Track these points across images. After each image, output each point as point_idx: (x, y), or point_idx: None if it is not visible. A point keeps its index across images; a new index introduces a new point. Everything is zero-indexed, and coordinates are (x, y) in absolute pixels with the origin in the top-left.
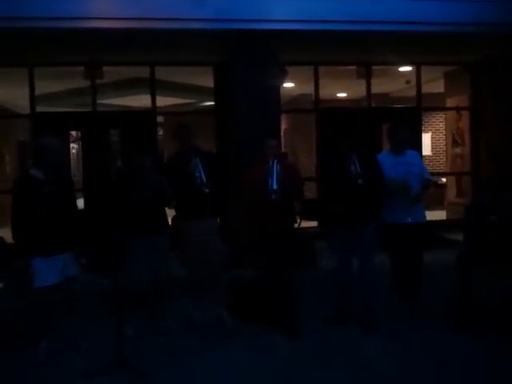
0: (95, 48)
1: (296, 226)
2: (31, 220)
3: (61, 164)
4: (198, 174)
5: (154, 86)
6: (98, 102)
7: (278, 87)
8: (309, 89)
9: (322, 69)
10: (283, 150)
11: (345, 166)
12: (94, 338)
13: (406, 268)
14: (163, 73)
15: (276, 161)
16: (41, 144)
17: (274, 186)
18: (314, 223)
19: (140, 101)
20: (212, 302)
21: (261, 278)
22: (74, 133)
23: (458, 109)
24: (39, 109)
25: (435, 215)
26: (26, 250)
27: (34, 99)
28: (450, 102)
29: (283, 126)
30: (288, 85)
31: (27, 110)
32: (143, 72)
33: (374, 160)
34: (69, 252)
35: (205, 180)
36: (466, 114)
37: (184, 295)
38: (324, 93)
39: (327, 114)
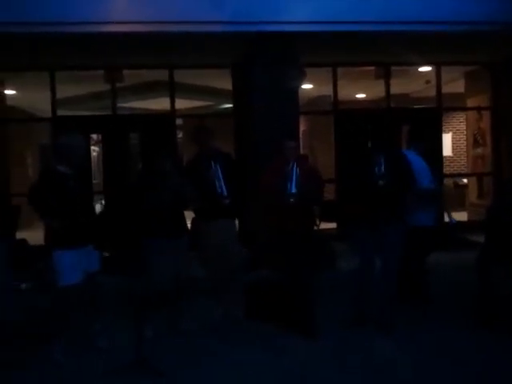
0: (115, 52)
1: (315, 227)
2: (58, 212)
3: (83, 161)
4: (218, 184)
5: (173, 89)
6: (118, 105)
7: (296, 89)
8: (327, 90)
9: (340, 70)
10: (302, 151)
11: (368, 167)
12: (114, 338)
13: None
14: (182, 76)
15: (296, 163)
16: (65, 141)
17: (293, 190)
18: (333, 225)
19: (159, 104)
20: (230, 303)
21: (279, 280)
22: (94, 136)
23: (478, 109)
24: (60, 112)
25: (456, 216)
26: (51, 242)
27: (54, 103)
28: (470, 102)
29: (302, 128)
30: (306, 86)
31: (48, 114)
32: (162, 75)
33: (403, 161)
34: (91, 245)
35: (225, 192)
36: (486, 114)
37: (203, 296)
38: (343, 94)
39: (346, 115)
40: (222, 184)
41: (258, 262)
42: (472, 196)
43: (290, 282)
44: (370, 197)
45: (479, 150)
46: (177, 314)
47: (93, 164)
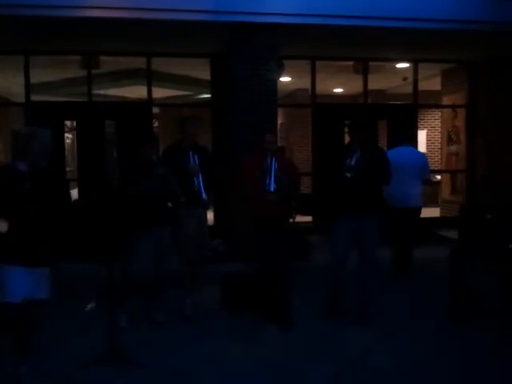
0: (92, 37)
1: (291, 220)
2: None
3: (47, 156)
4: (196, 180)
5: (150, 77)
6: (94, 92)
7: (275, 81)
8: (306, 83)
9: (319, 63)
10: (279, 144)
11: (341, 160)
12: (88, 328)
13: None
14: (160, 64)
15: (274, 158)
16: (26, 133)
17: (272, 187)
18: (308, 218)
19: (136, 92)
20: (206, 293)
21: (254, 271)
22: (68, 123)
23: (454, 106)
24: (34, 97)
25: (429, 212)
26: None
27: (29, 88)
28: (446, 100)
29: (280, 120)
30: (285, 79)
31: (22, 99)
32: (140, 63)
33: (379, 154)
34: (42, 268)
35: (202, 188)
36: (462, 112)
37: (178, 286)
38: (321, 88)
39: (324, 108)
40: (200, 180)
41: (233, 253)
42: (445, 192)
43: (266, 273)
44: (342, 190)
45: (453, 148)
46: (152, 304)
47: (66, 151)
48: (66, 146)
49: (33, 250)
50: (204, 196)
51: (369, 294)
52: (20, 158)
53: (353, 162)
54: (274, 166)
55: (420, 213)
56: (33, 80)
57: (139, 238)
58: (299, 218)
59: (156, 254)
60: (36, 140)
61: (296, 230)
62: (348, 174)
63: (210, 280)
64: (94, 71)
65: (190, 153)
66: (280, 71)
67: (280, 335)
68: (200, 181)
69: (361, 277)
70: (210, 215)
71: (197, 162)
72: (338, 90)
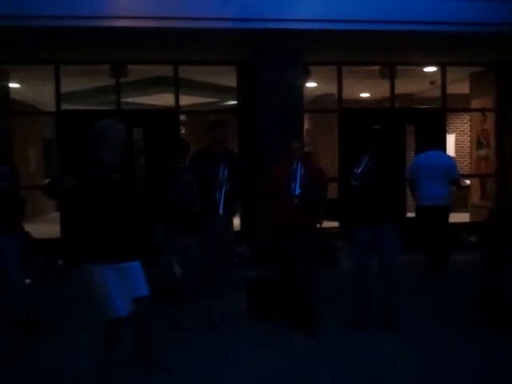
0: (120, 46)
1: (318, 226)
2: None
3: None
4: (218, 194)
5: (177, 85)
6: (122, 100)
7: (301, 87)
8: (332, 89)
9: (345, 69)
10: (306, 149)
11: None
12: None
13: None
14: (187, 72)
15: (300, 163)
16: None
17: (297, 191)
18: (335, 223)
19: (163, 99)
20: (232, 300)
21: (281, 278)
22: None
23: (483, 110)
24: (64, 106)
25: (459, 217)
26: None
27: (59, 97)
28: (475, 104)
29: (306, 126)
30: (311, 84)
31: (52, 108)
32: (167, 71)
33: (391, 160)
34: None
35: (221, 208)
36: (491, 116)
37: (205, 294)
38: (347, 93)
39: (350, 114)
40: (222, 193)
41: (258, 259)
42: (475, 197)
43: (290, 280)
44: (353, 198)
45: (483, 152)
46: (178, 311)
47: None
48: None
49: (126, 242)
50: (221, 210)
51: (391, 302)
52: (104, 150)
53: (359, 170)
54: (300, 171)
55: (448, 212)
56: (63, 89)
57: (166, 244)
58: (326, 224)
59: (183, 261)
60: (114, 131)
61: (323, 236)
62: (354, 182)
63: (235, 286)
64: (122, 80)
65: (221, 162)
66: (306, 77)
67: (305, 343)
68: (222, 194)
69: (382, 285)
70: (237, 221)
71: (226, 170)
72: (365, 95)
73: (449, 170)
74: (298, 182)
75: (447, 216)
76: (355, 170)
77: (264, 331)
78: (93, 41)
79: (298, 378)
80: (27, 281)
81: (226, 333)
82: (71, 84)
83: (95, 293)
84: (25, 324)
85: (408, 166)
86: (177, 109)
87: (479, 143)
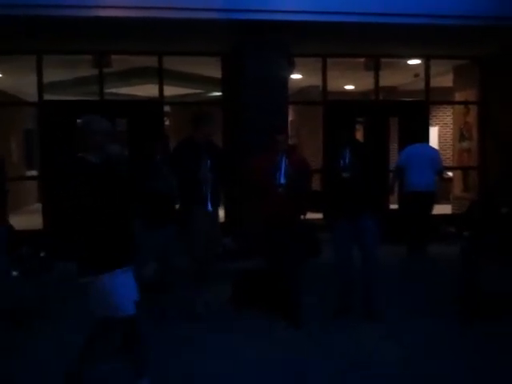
0: (103, 37)
1: (301, 217)
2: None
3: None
4: (204, 190)
5: (161, 76)
6: (106, 90)
7: (285, 78)
8: (317, 81)
9: (330, 61)
10: (290, 141)
11: (339, 160)
12: None
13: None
14: (171, 62)
15: (285, 155)
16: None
17: (282, 181)
18: (319, 215)
19: (147, 90)
20: (216, 291)
21: (264, 269)
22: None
23: (466, 103)
24: (47, 97)
25: (441, 209)
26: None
27: (41, 87)
28: (458, 96)
29: (290, 118)
30: (296, 76)
31: (35, 98)
32: (151, 61)
33: (368, 153)
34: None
35: (209, 205)
36: (474, 109)
37: (187, 285)
38: (332, 85)
39: (335, 106)
40: (208, 189)
41: (243, 251)
42: (457, 189)
43: (276, 271)
44: (338, 190)
45: (465, 144)
46: (162, 303)
47: None
48: None
49: (128, 248)
50: (210, 208)
51: (373, 293)
52: (88, 150)
53: (347, 162)
54: (284, 162)
55: (433, 197)
56: (45, 79)
57: (145, 236)
58: (310, 215)
59: (161, 253)
60: (95, 128)
61: (308, 227)
62: (346, 174)
63: (220, 278)
64: (105, 70)
65: (205, 154)
66: (291, 69)
67: (290, 333)
68: (208, 190)
69: (364, 276)
70: (221, 213)
71: (209, 162)
72: (349, 87)
73: (435, 160)
74: (282, 171)
75: (433, 202)
76: (341, 162)
77: (248, 322)
78: (76, 31)
79: (281, 368)
80: (14, 273)
81: (209, 323)
82: (54, 74)
83: (110, 296)
84: (9, 314)
85: (395, 157)
86: (161, 100)
87: (462, 136)
